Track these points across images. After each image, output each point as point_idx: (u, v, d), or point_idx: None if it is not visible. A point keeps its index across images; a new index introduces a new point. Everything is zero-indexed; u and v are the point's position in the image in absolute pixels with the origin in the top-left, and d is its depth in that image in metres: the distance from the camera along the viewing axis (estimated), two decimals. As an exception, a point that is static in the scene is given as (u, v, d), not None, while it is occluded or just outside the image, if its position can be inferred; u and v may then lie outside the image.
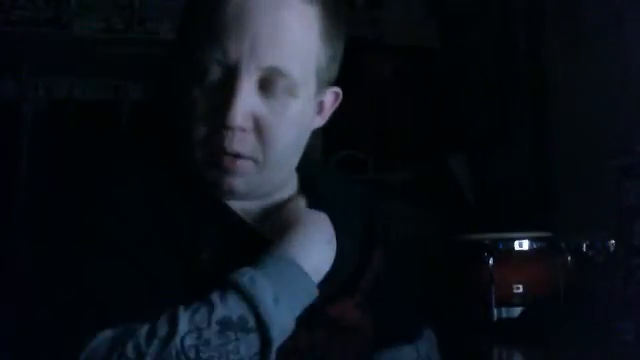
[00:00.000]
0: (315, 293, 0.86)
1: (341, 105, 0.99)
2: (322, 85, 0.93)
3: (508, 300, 1.82)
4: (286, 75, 0.86)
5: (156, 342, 0.75)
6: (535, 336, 1.67)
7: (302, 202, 0.97)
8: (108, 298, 0.79)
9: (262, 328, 0.79)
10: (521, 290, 1.83)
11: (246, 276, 0.80)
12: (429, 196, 2.88)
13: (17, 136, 2.62)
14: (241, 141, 0.86)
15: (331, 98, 0.98)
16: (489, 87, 2.83)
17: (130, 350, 0.74)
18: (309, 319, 0.86)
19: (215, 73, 0.85)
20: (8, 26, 2.59)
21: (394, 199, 2.78)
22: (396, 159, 3.00)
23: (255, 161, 0.88)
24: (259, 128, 0.87)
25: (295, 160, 0.95)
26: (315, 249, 0.87)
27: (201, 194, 0.91)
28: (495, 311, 1.81)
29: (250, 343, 0.78)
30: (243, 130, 0.86)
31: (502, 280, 1.82)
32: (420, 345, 1.06)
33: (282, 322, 0.81)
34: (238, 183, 0.89)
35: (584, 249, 1.77)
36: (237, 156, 0.87)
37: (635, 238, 1.69)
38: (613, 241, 1.73)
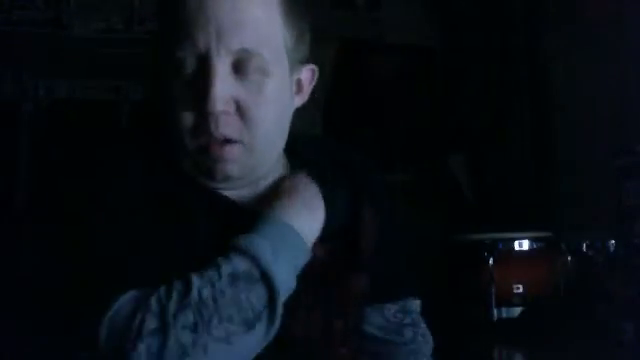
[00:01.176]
0: (309, 252, 0.91)
1: (341, 105, 1.00)
2: (295, 64, 0.96)
3: (508, 300, 1.83)
4: (256, 55, 0.89)
5: (175, 295, 0.80)
6: (535, 336, 1.67)
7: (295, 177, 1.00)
8: (124, 267, 0.84)
9: (267, 279, 0.84)
10: (521, 290, 1.83)
11: (243, 238, 0.86)
12: (429, 196, 2.88)
13: (17, 136, 2.62)
14: (226, 125, 0.89)
15: (308, 76, 1.00)
16: (489, 87, 2.83)
17: (153, 304, 0.80)
18: (312, 282, 0.91)
19: (190, 64, 0.89)
20: (8, 26, 2.60)
21: (394, 199, 2.78)
22: (396, 159, 3.00)
23: (242, 144, 0.91)
24: (240, 110, 0.90)
25: (282, 140, 0.97)
26: (303, 213, 0.92)
27: (194, 184, 0.93)
28: (495, 311, 1.82)
29: (259, 293, 0.84)
30: (226, 114, 0.89)
31: (502, 280, 1.82)
32: (387, 308, 1.04)
33: (283, 274, 0.86)
34: (231, 168, 0.92)
35: (584, 249, 1.77)
36: (225, 142, 0.90)
37: (635, 238, 1.69)
38: (613, 241, 1.73)
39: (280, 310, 0.85)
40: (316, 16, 1.03)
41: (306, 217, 0.92)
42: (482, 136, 2.84)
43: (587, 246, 1.77)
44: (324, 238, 0.93)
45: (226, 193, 0.95)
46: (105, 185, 0.88)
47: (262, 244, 0.86)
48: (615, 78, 2.15)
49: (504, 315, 1.82)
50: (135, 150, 0.93)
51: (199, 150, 0.90)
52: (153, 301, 0.80)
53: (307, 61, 0.98)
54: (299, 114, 1.02)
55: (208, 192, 0.94)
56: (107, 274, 0.83)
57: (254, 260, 0.85)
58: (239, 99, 0.89)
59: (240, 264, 0.84)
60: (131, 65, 2.61)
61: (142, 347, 0.78)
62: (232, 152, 0.90)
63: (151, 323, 0.79)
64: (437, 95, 3.05)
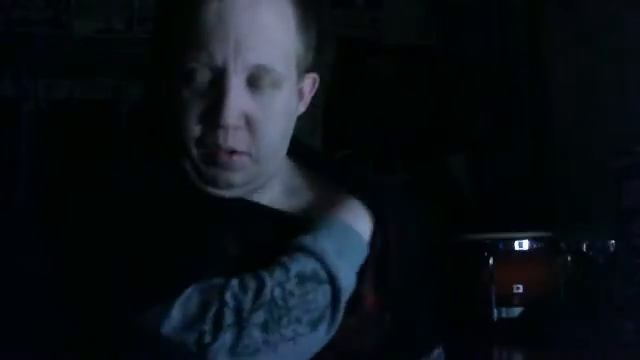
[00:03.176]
0: (366, 250, 0.93)
1: (341, 105, 1.02)
2: (301, 73, 0.97)
3: (508, 300, 1.82)
4: (271, 70, 0.90)
5: (250, 293, 0.82)
6: (535, 336, 1.67)
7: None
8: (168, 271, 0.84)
9: (332, 279, 0.86)
10: (521, 290, 1.83)
11: (308, 238, 0.88)
12: (429, 196, 2.88)
13: (17, 136, 2.62)
14: (235, 138, 0.90)
15: (309, 83, 1.02)
16: (489, 87, 2.83)
17: (229, 300, 0.81)
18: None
19: (203, 75, 0.89)
20: (8, 26, 2.59)
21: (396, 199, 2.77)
22: (396, 159, 3.00)
23: (249, 155, 0.92)
24: (250, 123, 0.90)
25: (285, 149, 0.99)
26: (359, 216, 0.95)
27: (197, 189, 0.94)
28: (495, 311, 1.81)
29: (325, 294, 0.86)
30: (236, 128, 0.89)
31: (502, 280, 1.82)
32: None
33: (346, 274, 0.88)
34: (235, 177, 0.93)
35: (584, 249, 1.77)
36: (233, 152, 0.90)
37: (635, 238, 1.69)
38: (613, 241, 1.73)
39: (342, 309, 0.87)
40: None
41: (361, 219, 0.95)
42: (482, 136, 2.84)
43: (587, 246, 1.77)
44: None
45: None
46: (107, 186, 0.89)
47: (326, 244, 0.88)
48: (615, 78, 2.15)
49: (504, 315, 1.82)
50: (136, 152, 0.93)
51: (204, 158, 0.91)
52: (229, 296, 0.81)
53: (311, 69, 0.99)
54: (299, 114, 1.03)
55: (214, 198, 0.94)
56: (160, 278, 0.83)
57: (321, 261, 0.86)
58: (250, 113, 0.90)
59: (307, 264, 0.86)
60: (131, 65, 2.61)
61: (221, 341, 0.80)
62: (239, 162, 0.91)
63: (229, 318, 0.81)
64: (437, 95, 3.05)
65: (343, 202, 0.96)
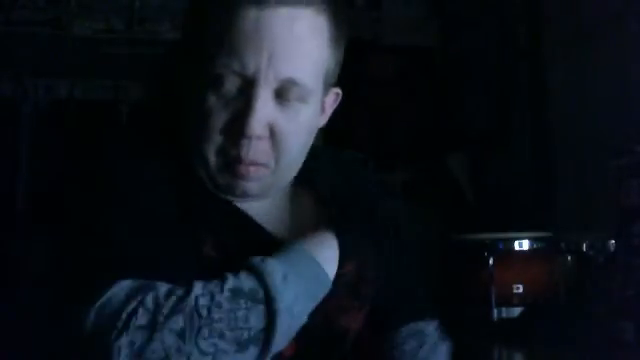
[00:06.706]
0: (329, 283, 0.90)
1: (341, 105, 1.02)
2: (327, 88, 0.97)
3: (508, 300, 1.82)
4: (301, 84, 0.89)
5: (173, 298, 0.79)
6: (535, 336, 1.67)
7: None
8: (127, 255, 0.83)
9: (269, 300, 0.82)
10: (521, 290, 1.83)
11: (258, 258, 0.86)
12: (429, 196, 2.88)
13: (17, 136, 2.62)
14: (257, 149, 0.89)
15: (332, 98, 1.01)
16: (489, 87, 2.83)
17: (149, 301, 0.79)
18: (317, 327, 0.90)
19: (232, 83, 0.88)
20: (8, 26, 2.60)
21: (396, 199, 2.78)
22: (396, 159, 3.00)
23: (268, 166, 0.92)
24: (274, 135, 0.90)
25: (302, 160, 0.99)
26: (325, 248, 0.93)
27: (208, 193, 0.94)
28: (495, 311, 1.81)
29: (259, 314, 0.82)
30: (260, 138, 0.89)
31: (502, 280, 1.82)
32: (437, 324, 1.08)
33: (290, 301, 0.84)
34: (251, 187, 0.92)
35: (584, 249, 1.77)
36: (252, 164, 0.90)
37: (635, 238, 1.69)
38: (613, 241, 1.73)
39: (278, 337, 0.82)
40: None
41: (327, 251, 0.92)
42: (482, 136, 2.84)
43: (587, 246, 1.77)
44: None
45: (243, 204, 0.96)
46: (116, 175, 0.89)
47: (273, 265, 0.84)
48: (615, 78, 2.15)
49: (504, 315, 1.82)
50: (137, 152, 0.93)
51: (222, 167, 0.91)
52: (149, 298, 0.79)
53: (335, 84, 0.99)
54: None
55: (223, 203, 0.94)
56: (108, 260, 0.82)
57: (261, 279, 0.83)
58: (275, 124, 0.89)
59: (246, 281, 0.83)
60: (131, 65, 2.61)
61: (126, 339, 0.76)
62: (256, 173, 0.91)
63: (142, 319, 0.77)
64: (437, 95, 3.05)
65: (315, 233, 0.94)
